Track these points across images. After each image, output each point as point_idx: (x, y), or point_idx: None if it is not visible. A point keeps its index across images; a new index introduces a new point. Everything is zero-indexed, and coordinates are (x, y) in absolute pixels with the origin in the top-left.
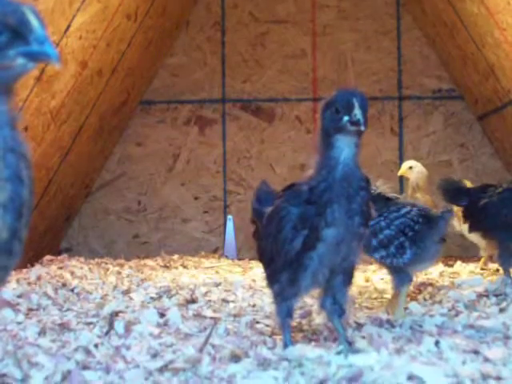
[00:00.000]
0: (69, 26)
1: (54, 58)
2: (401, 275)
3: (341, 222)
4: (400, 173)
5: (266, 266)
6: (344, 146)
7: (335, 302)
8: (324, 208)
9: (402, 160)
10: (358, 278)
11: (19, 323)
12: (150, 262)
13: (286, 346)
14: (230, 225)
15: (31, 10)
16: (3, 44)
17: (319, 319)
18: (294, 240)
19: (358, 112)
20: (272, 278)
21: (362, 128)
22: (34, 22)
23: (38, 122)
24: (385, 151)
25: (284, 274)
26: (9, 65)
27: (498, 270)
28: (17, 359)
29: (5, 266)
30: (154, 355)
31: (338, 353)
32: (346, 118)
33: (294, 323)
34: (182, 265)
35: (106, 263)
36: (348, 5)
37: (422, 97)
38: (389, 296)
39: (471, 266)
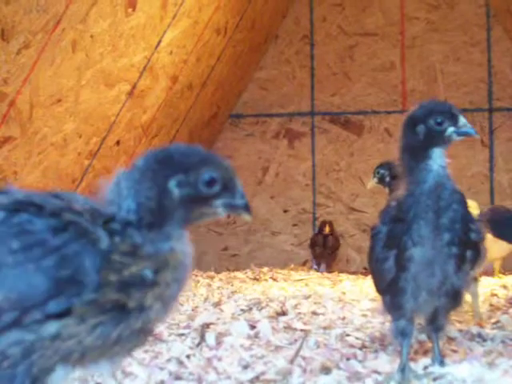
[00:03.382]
0: (160, 42)
1: (248, 212)
2: None
3: (428, 240)
4: None
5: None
6: (436, 158)
7: (433, 323)
8: (410, 225)
9: (492, 172)
10: None
11: None
12: (239, 274)
13: (401, 367)
14: None
15: (233, 169)
16: (215, 194)
17: None
18: (386, 261)
19: (464, 120)
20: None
21: (478, 135)
22: (237, 178)
23: (130, 136)
24: (475, 163)
25: (386, 297)
26: (212, 212)
27: None
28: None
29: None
30: (246, 367)
31: (425, 367)
32: (451, 129)
33: (380, 336)
34: (271, 277)
35: (196, 275)
36: (437, 16)
37: None
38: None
39: None
